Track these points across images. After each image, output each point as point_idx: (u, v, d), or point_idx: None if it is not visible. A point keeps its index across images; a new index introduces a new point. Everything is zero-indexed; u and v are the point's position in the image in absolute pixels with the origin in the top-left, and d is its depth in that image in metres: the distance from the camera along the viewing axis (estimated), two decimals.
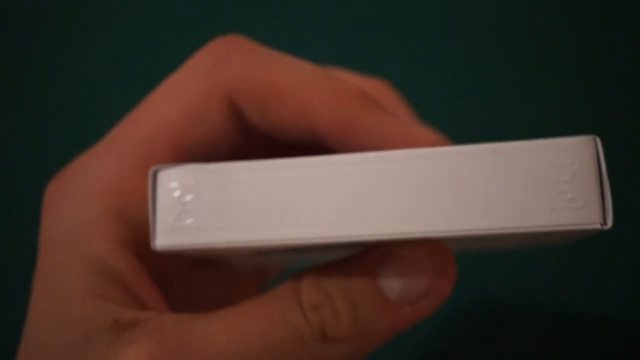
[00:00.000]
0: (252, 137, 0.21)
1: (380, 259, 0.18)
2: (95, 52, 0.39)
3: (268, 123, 0.20)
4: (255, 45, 0.21)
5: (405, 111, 0.26)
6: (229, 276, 0.24)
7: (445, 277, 0.19)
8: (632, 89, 0.35)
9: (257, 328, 0.18)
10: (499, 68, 0.37)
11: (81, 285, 0.19)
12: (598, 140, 0.16)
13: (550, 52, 0.37)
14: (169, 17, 0.39)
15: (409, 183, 0.16)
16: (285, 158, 0.17)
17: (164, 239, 0.17)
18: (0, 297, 0.33)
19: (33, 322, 0.19)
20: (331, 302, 0.18)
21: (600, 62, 0.36)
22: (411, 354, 0.33)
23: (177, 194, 0.17)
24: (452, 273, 0.19)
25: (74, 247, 0.19)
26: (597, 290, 0.33)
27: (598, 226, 0.16)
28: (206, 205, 0.17)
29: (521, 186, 0.16)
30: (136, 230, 0.20)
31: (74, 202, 0.20)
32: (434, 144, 0.19)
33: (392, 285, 0.18)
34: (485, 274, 0.34)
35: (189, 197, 0.17)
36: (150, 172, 0.17)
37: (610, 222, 0.16)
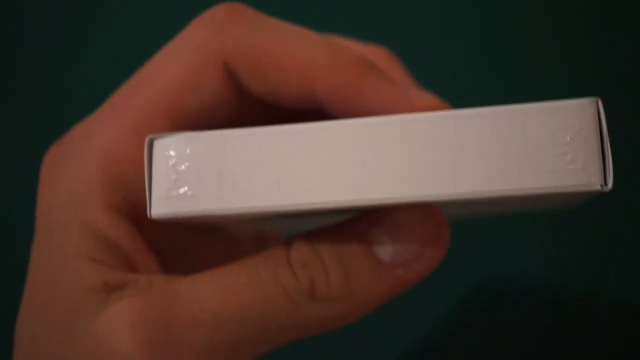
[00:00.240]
0: (248, 106, 0.21)
1: (374, 223, 0.18)
2: (95, 52, 0.39)
3: (266, 90, 0.20)
4: (255, 12, 0.21)
5: (405, 77, 0.26)
6: (227, 245, 0.24)
7: (439, 242, 0.18)
8: (632, 89, 0.35)
9: (242, 283, 0.18)
10: (499, 68, 0.36)
11: (74, 248, 0.19)
12: (599, 102, 0.16)
13: (550, 52, 0.37)
14: (169, 17, 0.39)
15: (408, 147, 0.16)
16: (281, 125, 0.17)
17: (159, 207, 0.17)
18: (0, 297, 0.32)
19: (29, 283, 0.19)
20: (322, 262, 0.18)
21: (600, 62, 0.36)
22: (411, 350, 0.33)
23: (172, 162, 0.17)
24: (445, 239, 0.19)
25: (69, 211, 0.19)
26: (598, 285, 0.33)
27: (598, 187, 0.16)
28: (201, 173, 0.17)
29: (521, 149, 0.16)
30: (133, 197, 0.20)
31: (71, 168, 0.20)
32: (433, 108, 0.19)
33: (385, 248, 0.18)
34: (485, 273, 0.34)
35: (184, 166, 0.17)
36: (146, 140, 0.17)
37: (610, 184, 0.16)
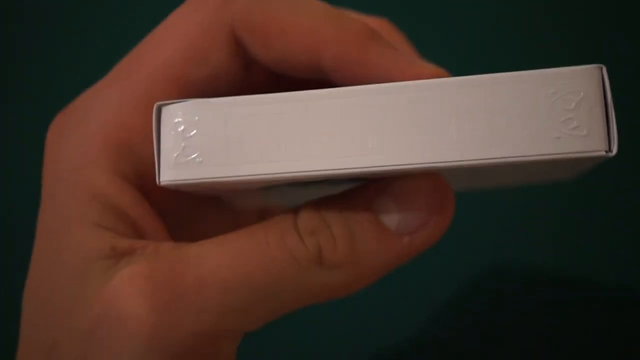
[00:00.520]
0: (254, 75, 0.21)
1: (381, 191, 0.19)
2: (95, 52, 0.39)
3: (272, 58, 0.20)
4: None
5: (407, 46, 0.26)
6: (231, 218, 0.25)
7: (445, 211, 0.19)
8: (632, 89, 0.35)
9: (250, 248, 0.18)
10: (499, 68, 0.36)
11: (80, 215, 0.19)
12: (604, 69, 0.16)
13: (550, 52, 0.37)
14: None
15: (412, 115, 0.16)
16: (289, 92, 0.17)
17: (168, 174, 0.17)
18: (0, 297, 0.32)
19: (36, 250, 0.20)
20: (329, 228, 0.18)
21: (600, 62, 0.36)
22: (410, 347, 0.33)
23: (180, 128, 0.17)
24: (451, 207, 0.19)
25: (76, 178, 0.19)
26: (598, 285, 0.33)
27: (603, 153, 0.16)
28: (210, 140, 0.17)
29: (525, 115, 0.16)
30: (139, 165, 0.20)
31: (77, 136, 0.20)
32: (437, 76, 0.19)
33: (391, 216, 0.18)
34: (485, 271, 0.34)
35: (192, 132, 0.17)
36: (155, 107, 0.17)
37: (615, 149, 0.16)
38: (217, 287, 0.17)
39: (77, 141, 0.20)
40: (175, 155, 0.17)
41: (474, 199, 0.30)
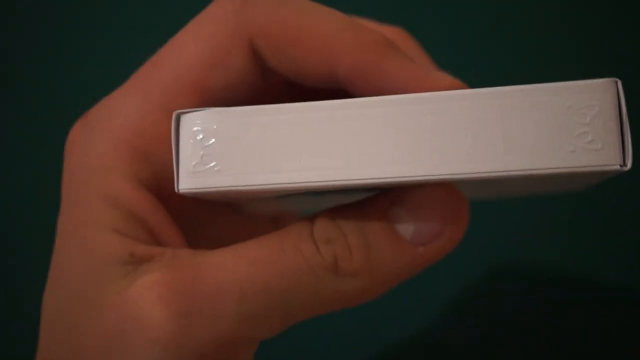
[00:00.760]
0: (271, 83, 0.21)
1: (396, 201, 0.19)
2: (95, 52, 0.39)
3: (289, 67, 0.20)
4: None
5: (424, 57, 0.26)
6: (246, 224, 0.25)
7: (459, 221, 0.19)
8: (632, 89, 0.35)
9: (267, 257, 0.18)
10: (499, 68, 0.36)
11: (99, 220, 0.19)
12: (619, 82, 0.16)
13: (550, 51, 0.37)
14: (169, 17, 0.39)
15: (428, 126, 0.16)
16: (306, 102, 0.17)
17: (187, 182, 0.17)
18: (0, 297, 0.33)
19: (55, 254, 0.20)
20: (344, 237, 0.18)
21: (600, 62, 0.36)
22: (410, 347, 0.33)
23: (199, 137, 0.17)
24: (465, 217, 0.19)
25: (95, 184, 0.19)
26: (598, 285, 0.33)
27: (617, 167, 0.16)
28: (228, 149, 0.17)
29: (541, 128, 0.16)
30: (158, 171, 0.20)
31: (97, 142, 0.20)
32: (453, 87, 0.19)
33: (406, 226, 0.19)
34: (485, 271, 0.34)
35: (211, 141, 0.17)
36: (174, 115, 0.18)
37: (629, 164, 0.16)
38: (234, 295, 0.18)
39: (96, 147, 0.20)
40: (193, 163, 0.17)
41: (474, 199, 0.30)
